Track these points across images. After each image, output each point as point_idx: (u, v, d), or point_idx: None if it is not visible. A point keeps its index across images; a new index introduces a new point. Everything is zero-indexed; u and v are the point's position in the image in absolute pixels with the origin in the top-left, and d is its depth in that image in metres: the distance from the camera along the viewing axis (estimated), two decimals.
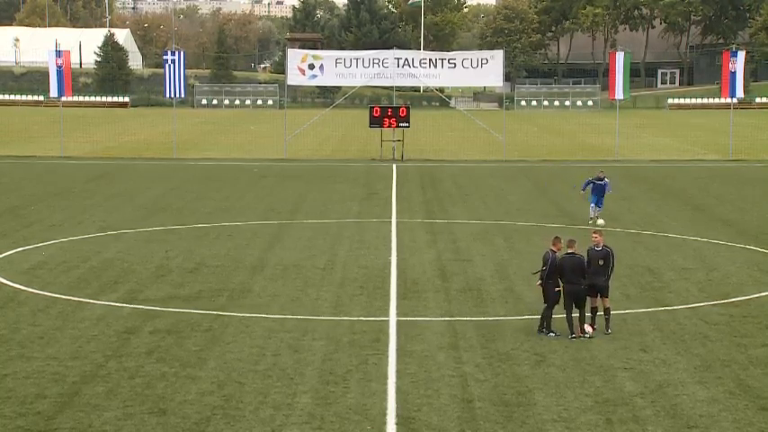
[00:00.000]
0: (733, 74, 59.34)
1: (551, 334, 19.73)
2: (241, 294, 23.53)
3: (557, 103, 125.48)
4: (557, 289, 19.80)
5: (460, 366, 17.84)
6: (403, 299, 23.06)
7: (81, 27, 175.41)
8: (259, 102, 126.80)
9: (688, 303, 22.83)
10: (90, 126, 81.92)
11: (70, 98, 76.58)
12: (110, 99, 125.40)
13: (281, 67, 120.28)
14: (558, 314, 20.09)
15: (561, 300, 19.81)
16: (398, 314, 21.63)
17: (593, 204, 34.54)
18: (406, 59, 61.76)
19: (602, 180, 34.48)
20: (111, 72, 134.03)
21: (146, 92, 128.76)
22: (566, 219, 35.50)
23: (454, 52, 76.56)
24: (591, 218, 34.24)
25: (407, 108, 61.85)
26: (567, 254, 19.74)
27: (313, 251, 28.98)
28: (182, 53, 61.84)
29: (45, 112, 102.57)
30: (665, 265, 27.27)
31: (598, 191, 34.43)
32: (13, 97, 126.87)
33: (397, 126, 58.98)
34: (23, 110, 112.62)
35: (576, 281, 19.53)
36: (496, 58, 61.77)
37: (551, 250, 19.97)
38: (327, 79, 64.00)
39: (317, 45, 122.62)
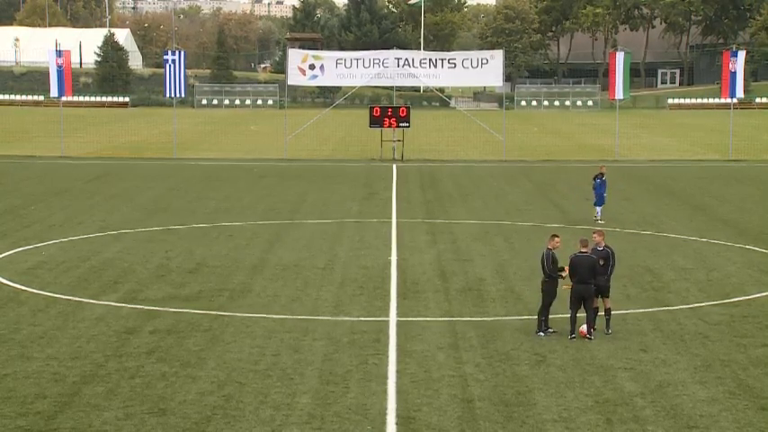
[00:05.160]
0: (733, 74, 59.35)
1: (540, 333, 19.75)
2: (241, 294, 23.53)
3: (557, 103, 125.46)
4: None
5: (460, 366, 17.84)
6: (403, 299, 23.07)
7: (81, 27, 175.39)
8: (259, 102, 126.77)
9: (688, 303, 22.83)
10: (90, 126, 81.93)
11: (70, 98, 76.62)
12: (110, 99, 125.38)
13: (281, 67, 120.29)
14: (558, 314, 20.13)
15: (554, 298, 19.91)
16: (398, 314, 21.63)
17: (598, 205, 34.74)
18: (407, 59, 61.78)
19: (603, 176, 34.72)
20: (111, 72, 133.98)
21: (146, 92, 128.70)
22: (566, 219, 35.51)
23: (454, 52, 76.67)
24: (597, 218, 34.44)
25: (407, 108, 61.86)
26: (580, 253, 19.74)
27: (313, 251, 28.98)
28: (182, 53, 61.82)
29: (45, 112, 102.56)
30: (665, 265, 27.28)
31: (600, 188, 34.58)
32: (13, 97, 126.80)
33: (397, 126, 58.99)
34: (23, 110, 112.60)
35: (587, 280, 19.54)
36: (497, 58, 61.78)
37: (547, 248, 20.03)
38: (328, 79, 63.99)
39: (317, 45, 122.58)
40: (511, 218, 36.18)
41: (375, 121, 59.17)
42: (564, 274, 19.87)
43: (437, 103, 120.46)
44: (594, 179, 35.01)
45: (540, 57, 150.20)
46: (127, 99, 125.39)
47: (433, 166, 55.60)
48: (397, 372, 17.50)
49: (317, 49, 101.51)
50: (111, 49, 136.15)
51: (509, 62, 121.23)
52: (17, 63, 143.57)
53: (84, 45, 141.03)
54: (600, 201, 34.79)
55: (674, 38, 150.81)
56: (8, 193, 42.74)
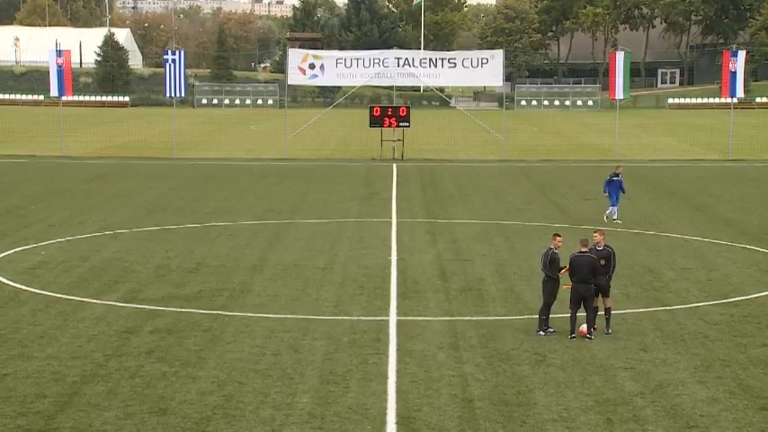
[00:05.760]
0: (733, 74, 59.35)
1: (540, 333, 19.77)
2: (241, 294, 23.53)
3: (557, 102, 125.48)
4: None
5: (460, 366, 17.84)
6: (403, 299, 23.06)
7: (81, 27, 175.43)
8: (259, 101, 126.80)
9: (688, 303, 22.83)
10: (90, 126, 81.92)
11: (70, 98, 76.62)
12: (110, 99, 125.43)
13: (281, 67, 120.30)
14: (558, 314, 20.14)
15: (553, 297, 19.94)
16: (398, 314, 21.63)
17: (612, 206, 34.68)
18: (407, 59, 61.86)
19: (618, 176, 34.50)
20: (111, 72, 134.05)
21: (146, 91, 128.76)
22: (566, 219, 35.51)
23: (454, 52, 76.62)
24: (606, 216, 34.56)
25: (407, 108, 61.90)
26: (580, 253, 19.74)
27: (313, 251, 28.98)
28: (182, 53, 61.84)
29: (45, 112, 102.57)
30: (665, 265, 27.28)
31: (613, 187, 34.40)
32: (13, 97, 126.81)
33: (398, 126, 59.01)
34: (23, 110, 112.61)
35: (587, 280, 19.54)
36: (497, 57, 61.85)
37: (549, 248, 20.05)
38: (328, 79, 64.03)
39: (317, 45, 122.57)
40: (511, 218, 36.18)
41: (375, 121, 59.19)
42: (562, 273, 19.86)
43: (437, 103, 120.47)
44: (611, 177, 34.72)
45: (540, 57, 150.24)
46: (127, 99, 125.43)
47: (433, 166, 55.60)
48: (397, 372, 17.50)
49: (316, 48, 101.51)
50: (111, 49, 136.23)
51: (509, 62, 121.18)
52: (17, 63, 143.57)
53: (85, 45, 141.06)
54: (611, 200, 34.64)
55: (674, 38, 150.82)
56: (8, 193, 42.74)
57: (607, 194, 34.75)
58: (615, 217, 34.60)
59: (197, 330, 20.20)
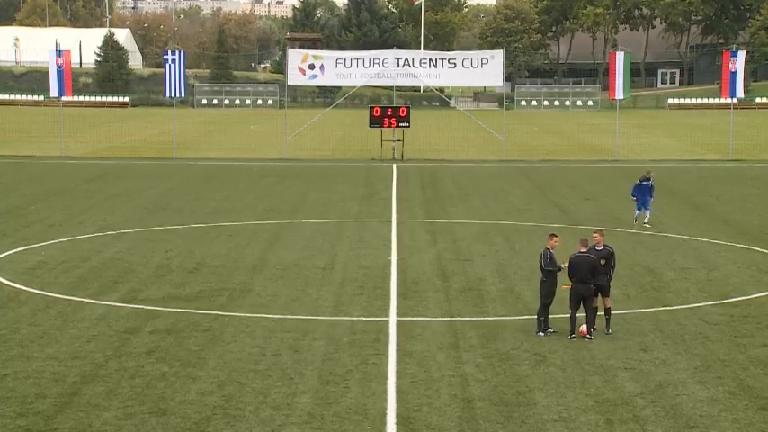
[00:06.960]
0: (733, 74, 59.35)
1: (540, 334, 19.76)
2: (241, 294, 23.53)
3: (557, 102, 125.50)
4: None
5: (460, 366, 17.84)
6: (403, 299, 23.06)
7: (81, 27, 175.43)
8: (259, 102, 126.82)
9: (688, 303, 22.83)
10: (90, 126, 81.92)
11: (70, 98, 76.61)
12: (110, 99, 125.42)
13: (281, 67, 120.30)
14: (558, 314, 20.14)
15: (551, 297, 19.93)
16: (398, 314, 21.63)
17: (638, 209, 33.92)
18: (407, 59, 61.88)
19: (648, 180, 33.85)
20: (111, 72, 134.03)
21: (146, 92, 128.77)
22: (566, 219, 35.51)
23: (454, 52, 76.67)
24: (636, 220, 33.86)
25: (407, 108, 61.90)
26: (580, 253, 19.74)
27: (313, 251, 28.98)
28: (182, 53, 61.87)
29: (45, 112, 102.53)
30: (665, 265, 27.28)
31: (644, 191, 33.74)
32: (13, 97, 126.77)
33: (397, 126, 59.01)
34: (23, 110, 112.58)
35: (587, 280, 19.54)
36: (497, 58, 61.87)
37: (546, 248, 20.05)
38: (328, 79, 64.06)
39: (317, 45, 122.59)
40: (511, 218, 36.19)
41: (375, 121, 59.18)
42: (564, 265, 19.80)
43: (437, 103, 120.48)
44: (641, 181, 34.08)
45: (540, 57, 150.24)
46: (127, 99, 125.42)
47: (433, 166, 55.60)
48: (397, 372, 17.49)
49: (316, 49, 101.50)
50: (111, 49, 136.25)
51: (509, 62, 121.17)
52: (17, 63, 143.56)
53: (84, 45, 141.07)
54: (639, 204, 33.93)
55: (674, 38, 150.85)
56: (8, 193, 42.74)
57: (635, 198, 33.87)
58: (646, 221, 33.74)
59: (197, 330, 20.20)
